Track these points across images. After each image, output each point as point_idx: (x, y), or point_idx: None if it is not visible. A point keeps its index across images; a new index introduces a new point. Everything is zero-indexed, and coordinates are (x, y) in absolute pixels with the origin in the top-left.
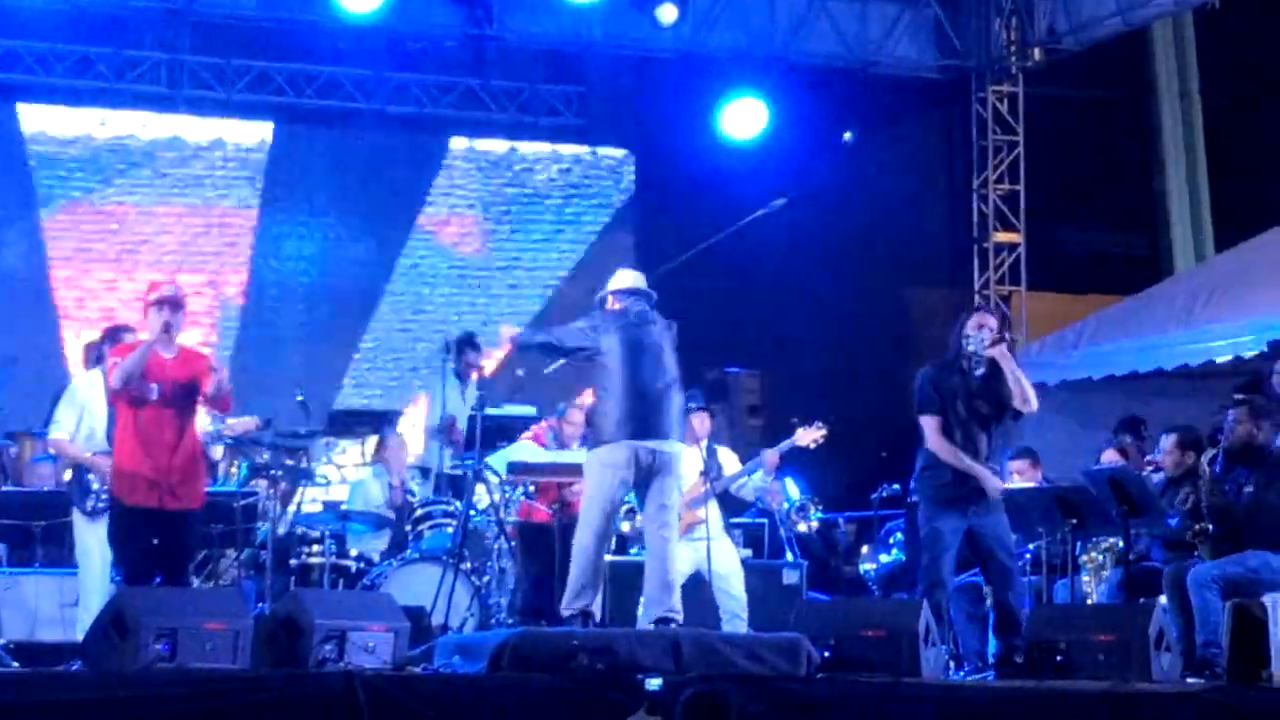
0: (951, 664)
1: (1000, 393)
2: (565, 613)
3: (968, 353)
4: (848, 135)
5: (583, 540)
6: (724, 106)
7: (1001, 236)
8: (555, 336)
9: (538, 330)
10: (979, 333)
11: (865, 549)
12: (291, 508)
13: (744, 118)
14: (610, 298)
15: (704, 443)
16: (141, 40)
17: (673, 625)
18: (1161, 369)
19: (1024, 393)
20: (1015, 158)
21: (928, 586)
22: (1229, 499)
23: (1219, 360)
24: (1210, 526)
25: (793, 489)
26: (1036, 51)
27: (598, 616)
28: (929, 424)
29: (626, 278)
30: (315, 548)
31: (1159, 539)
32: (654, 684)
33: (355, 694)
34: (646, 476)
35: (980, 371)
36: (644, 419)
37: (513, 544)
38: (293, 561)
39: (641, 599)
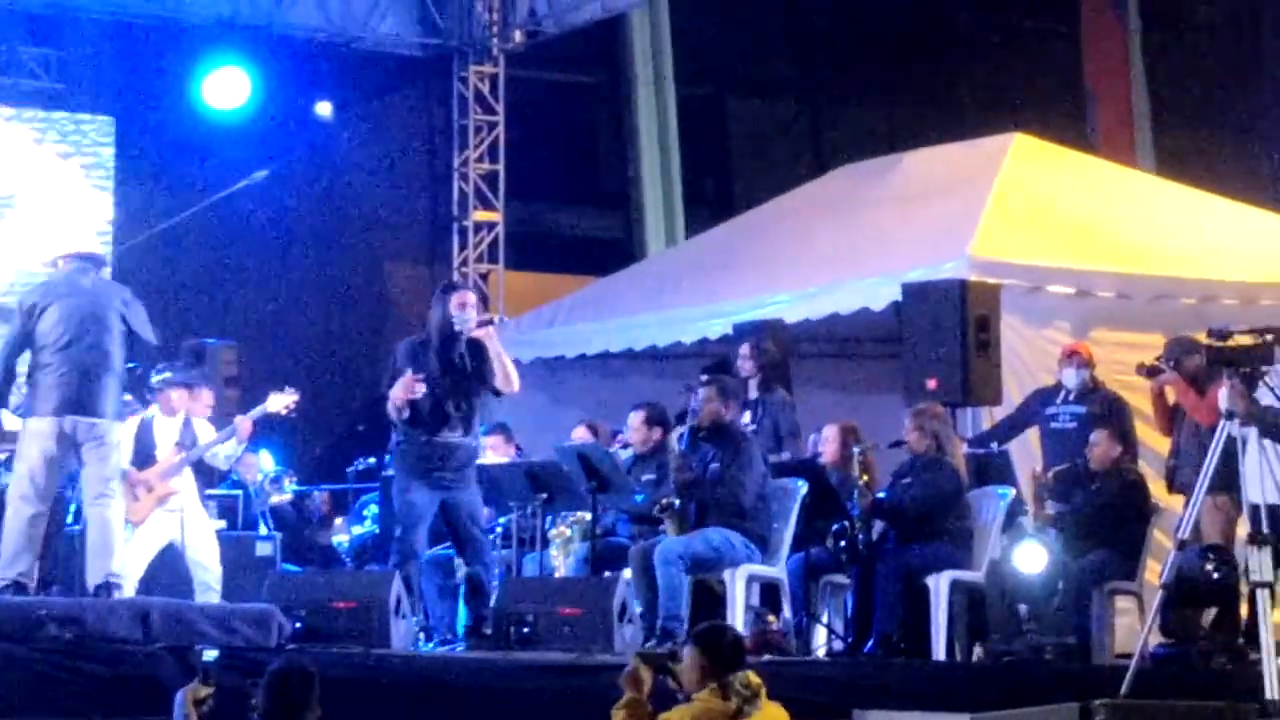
0: (422, 635)
1: (481, 370)
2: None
3: (454, 331)
4: (325, 110)
5: (12, 510)
6: (206, 76)
7: (481, 215)
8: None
9: None
10: (462, 311)
11: (339, 521)
12: None
13: (226, 88)
14: (60, 262)
15: (181, 414)
16: None
17: (114, 591)
18: (632, 349)
19: (506, 373)
20: (495, 138)
21: (400, 559)
22: (695, 475)
23: (686, 341)
24: (676, 502)
25: (267, 461)
26: (518, 33)
27: (33, 582)
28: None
29: (75, 241)
30: None
31: (626, 514)
32: (210, 655)
33: None
34: (78, 449)
35: (461, 349)
36: (73, 392)
37: None
38: None
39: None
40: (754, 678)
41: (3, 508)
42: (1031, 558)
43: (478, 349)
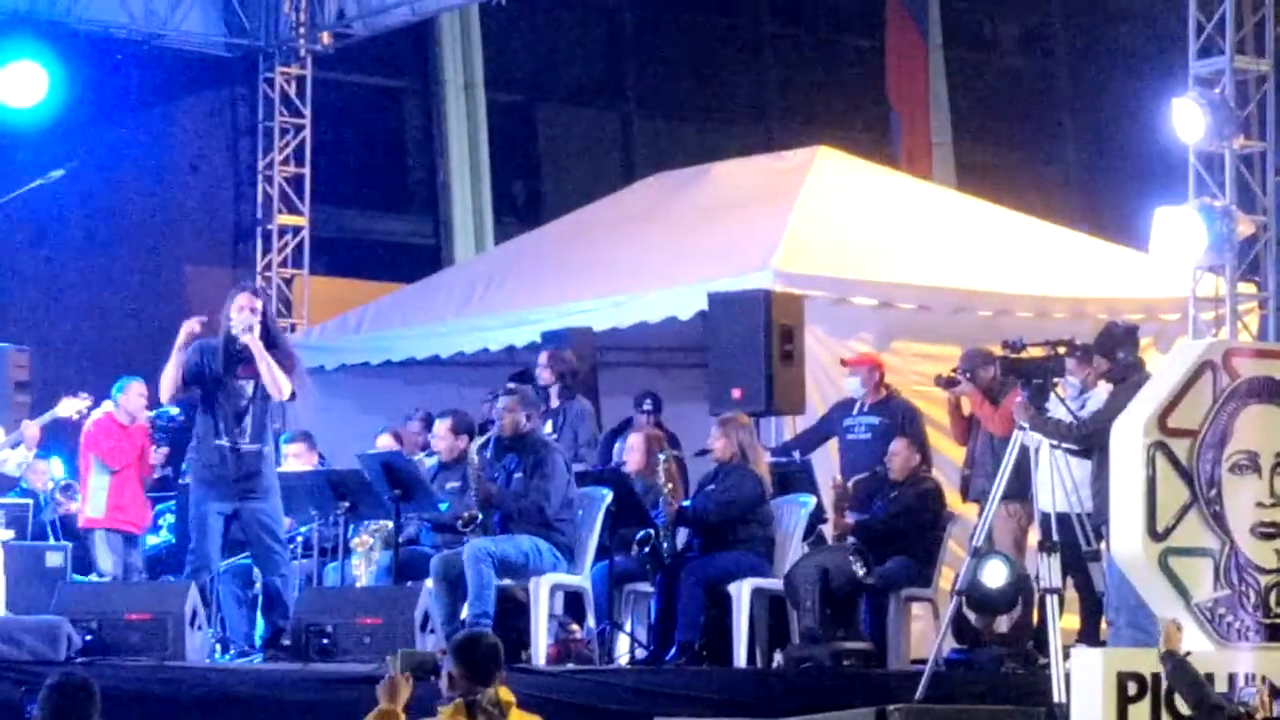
0: (218, 647)
1: (257, 373)
2: None
3: (231, 334)
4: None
5: None
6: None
7: (286, 219)
8: None
9: None
10: (240, 315)
11: None
12: None
13: (22, 83)
14: None
15: None
16: None
17: None
18: (438, 356)
19: (273, 380)
20: (302, 140)
21: (195, 569)
22: (498, 487)
23: (493, 349)
24: (479, 514)
25: (58, 468)
26: (325, 35)
27: None
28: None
29: None
30: None
31: (430, 523)
32: None
33: None
34: None
35: (245, 353)
36: None
37: None
38: None
39: None
40: (505, 694)
41: None
42: (997, 574)
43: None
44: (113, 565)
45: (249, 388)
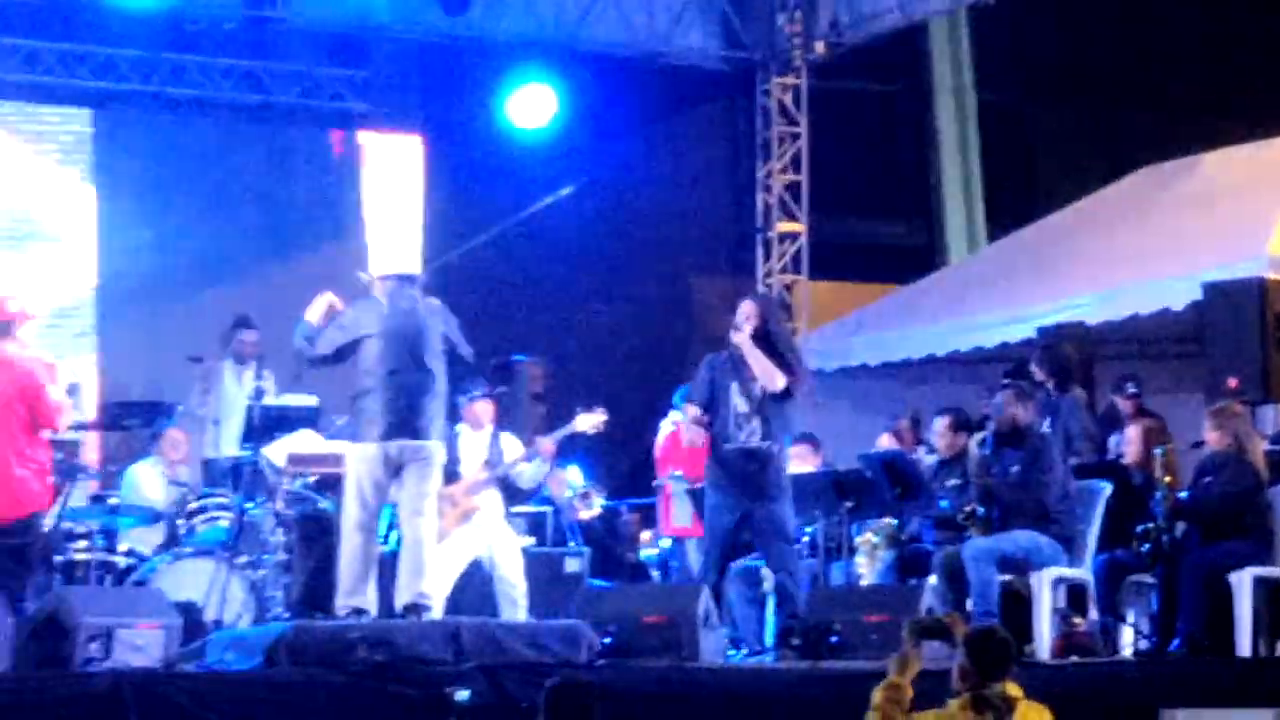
0: (730, 646)
1: (794, 376)
2: (340, 611)
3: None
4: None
5: (347, 538)
6: (511, 93)
7: (784, 226)
8: (308, 348)
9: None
10: (736, 319)
11: (647, 535)
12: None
13: (532, 105)
14: (375, 282)
15: (488, 429)
16: None
17: (423, 612)
18: (934, 355)
19: (766, 373)
20: (798, 149)
21: (706, 570)
22: (996, 480)
23: (988, 346)
24: (979, 508)
25: (575, 476)
26: (819, 45)
27: (373, 611)
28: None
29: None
30: (82, 543)
31: (931, 520)
32: (462, 695)
33: (121, 693)
34: (400, 468)
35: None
36: (399, 416)
37: (290, 536)
38: (58, 558)
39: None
40: (1013, 689)
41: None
42: None
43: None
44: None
45: (756, 388)
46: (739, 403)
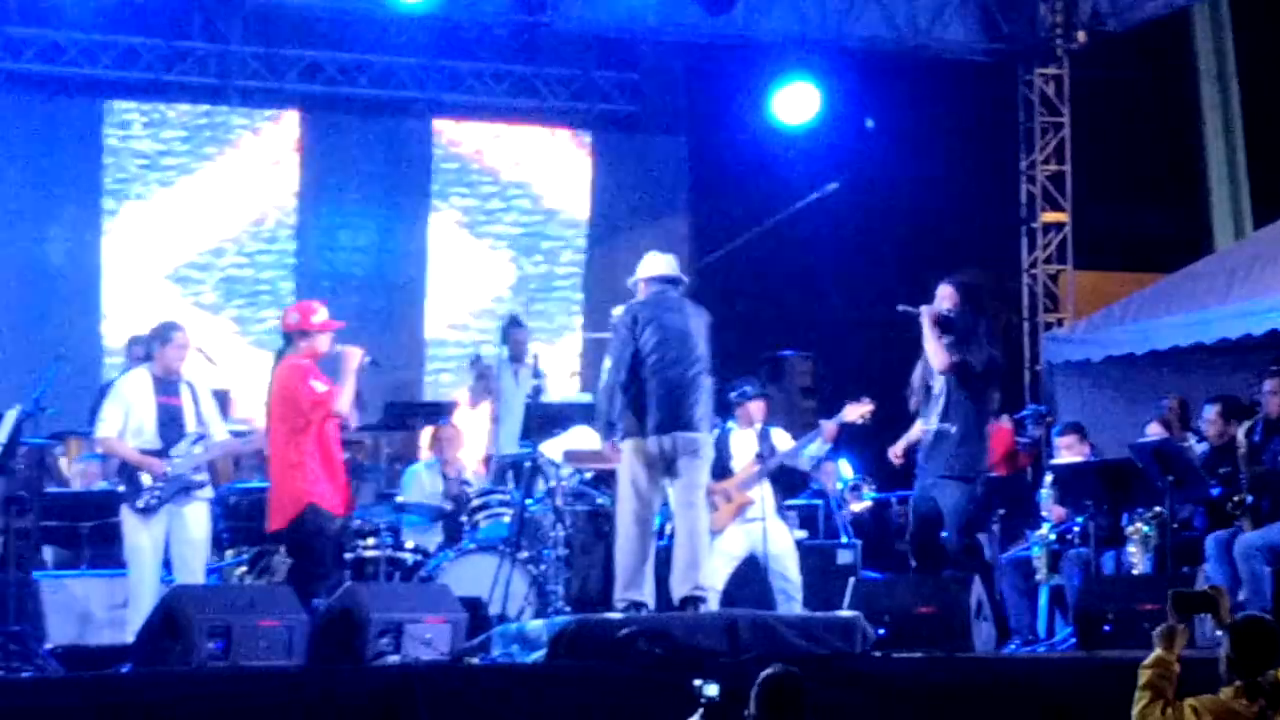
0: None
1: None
2: (618, 605)
3: None
4: (869, 122)
5: (623, 533)
6: (776, 91)
7: (1048, 217)
8: (608, 385)
9: (601, 398)
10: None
11: None
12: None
13: (796, 102)
14: (640, 285)
15: (758, 426)
16: (190, 30)
17: (699, 604)
18: (1201, 343)
19: (931, 351)
20: (1061, 139)
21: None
22: (1266, 467)
23: (1256, 333)
24: (1249, 497)
25: (846, 470)
26: (1081, 34)
27: (651, 604)
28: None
29: (656, 263)
30: (370, 540)
31: (1202, 508)
32: (711, 690)
33: (412, 686)
34: (673, 463)
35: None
36: (670, 411)
37: (569, 531)
38: (348, 555)
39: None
40: None
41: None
42: None
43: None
44: None
45: (932, 371)
46: (933, 385)
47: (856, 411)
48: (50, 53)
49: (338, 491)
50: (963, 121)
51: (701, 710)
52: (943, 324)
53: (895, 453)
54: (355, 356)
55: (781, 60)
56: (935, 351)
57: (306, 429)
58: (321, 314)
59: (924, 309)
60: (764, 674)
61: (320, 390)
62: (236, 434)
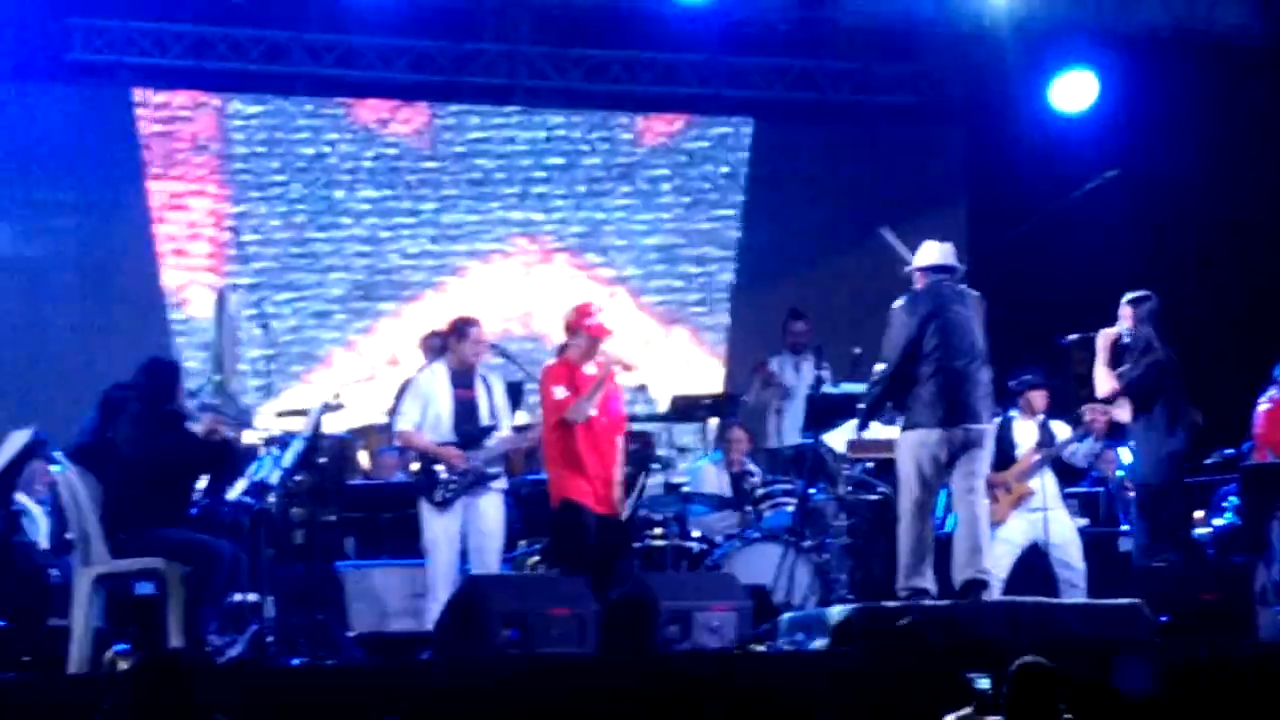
0: None
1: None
2: (901, 593)
3: None
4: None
5: (905, 521)
6: (1055, 79)
7: None
8: (883, 374)
9: (870, 392)
10: None
11: (1200, 513)
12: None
13: (1075, 90)
14: (917, 274)
15: (1040, 417)
16: (480, 33)
17: (982, 588)
18: None
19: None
20: None
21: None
22: None
23: None
24: None
25: (1126, 456)
26: None
27: (934, 591)
28: None
29: (932, 252)
30: (658, 530)
31: None
32: (983, 683)
33: (701, 674)
34: (956, 452)
35: None
36: (953, 402)
37: (852, 520)
38: (636, 544)
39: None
40: None
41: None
42: None
43: None
44: None
45: None
46: None
47: (1127, 413)
48: (349, 58)
49: (596, 488)
50: (1242, 107)
51: (975, 704)
52: (1116, 348)
53: None
54: (607, 366)
55: (1059, 48)
56: (1102, 379)
57: (558, 427)
58: (597, 317)
59: (1100, 333)
60: (1017, 663)
61: (559, 396)
62: (518, 429)
